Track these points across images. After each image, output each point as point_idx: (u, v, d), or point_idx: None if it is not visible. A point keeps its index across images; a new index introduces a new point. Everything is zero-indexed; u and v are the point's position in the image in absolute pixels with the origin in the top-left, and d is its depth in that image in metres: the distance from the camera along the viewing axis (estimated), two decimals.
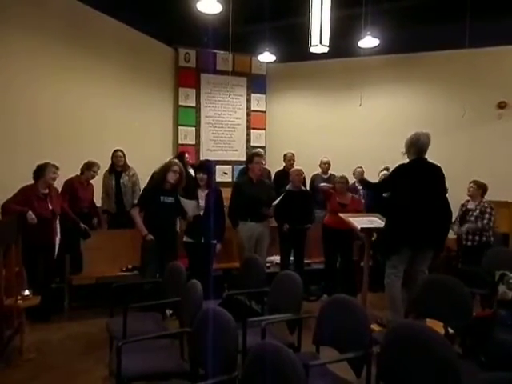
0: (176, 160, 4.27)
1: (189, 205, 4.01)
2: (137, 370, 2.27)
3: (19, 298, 3.21)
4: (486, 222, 4.65)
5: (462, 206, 5.00)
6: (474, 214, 4.75)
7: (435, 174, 3.50)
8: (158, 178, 4.03)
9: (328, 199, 4.83)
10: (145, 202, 4.00)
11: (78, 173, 4.75)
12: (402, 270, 3.51)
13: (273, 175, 6.11)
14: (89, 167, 4.71)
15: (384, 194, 4.03)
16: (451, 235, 5.25)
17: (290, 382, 1.69)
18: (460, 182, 5.17)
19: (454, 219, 5.01)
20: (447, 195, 4.03)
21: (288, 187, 4.73)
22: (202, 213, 4.06)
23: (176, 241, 4.09)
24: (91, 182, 4.86)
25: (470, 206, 4.87)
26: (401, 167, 3.52)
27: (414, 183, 3.42)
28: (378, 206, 4.27)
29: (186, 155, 5.77)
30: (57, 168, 4.02)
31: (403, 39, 6.47)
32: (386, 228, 3.58)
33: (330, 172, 6.10)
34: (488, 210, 4.70)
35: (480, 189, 4.85)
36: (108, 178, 5.08)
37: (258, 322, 2.60)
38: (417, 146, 3.47)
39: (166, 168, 3.99)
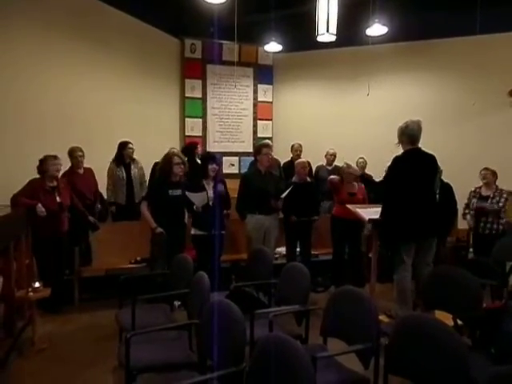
0: (174, 150, 4.20)
1: (196, 198, 3.99)
2: (145, 361, 2.29)
3: (30, 289, 3.24)
4: (501, 204, 4.70)
5: (475, 192, 4.95)
6: (494, 200, 4.77)
7: (429, 164, 3.41)
8: (164, 171, 4.00)
9: (337, 190, 4.80)
10: (153, 196, 4.01)
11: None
12: (410, 264, 3.47)
13: None
14: (71, 154, 4.59)
15: None
16: (464, 226, 5.22)
17: (297, 373, 1.70)
18: (470, 170, 5.10)
19: (463, 207, 5.05)
20: (451, 184, 3.97)
21: (293, 179, 4.71)
22: (211, 203, 4.05)
23: (185, 233, 4.10)
24: (92, 168, 4.80)
25: (486, 193, 4.86)
26: (395, 160, 3.45)
27: (410, 174, 3.34)
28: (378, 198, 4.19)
29: (198, 147, 5.61)
30: (55, 158, 3.95)
31: (412, 26, 6.36)
32: (386, 221, 3.48)
33: (334, 163, 6.08)
34: (504, 195, 4.75)
35: (494, 176, 4.87)
36: (116, 170, 5.02)
37: (265, 314, 2.61)
38: (406, 133, 3.38)
39: (169, 161, 3.97)
